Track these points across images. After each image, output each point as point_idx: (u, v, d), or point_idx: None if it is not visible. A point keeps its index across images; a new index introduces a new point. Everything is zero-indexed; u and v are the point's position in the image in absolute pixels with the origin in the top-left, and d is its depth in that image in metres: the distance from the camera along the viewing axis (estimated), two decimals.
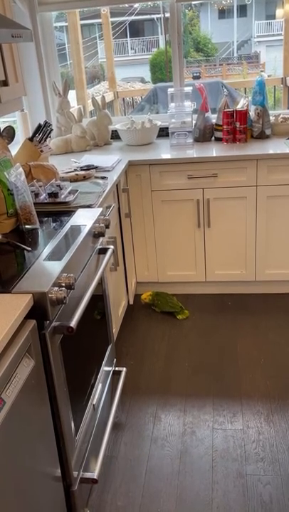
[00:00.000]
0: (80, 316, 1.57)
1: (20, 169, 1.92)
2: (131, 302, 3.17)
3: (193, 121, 3.25)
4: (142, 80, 15.63)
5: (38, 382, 1.41)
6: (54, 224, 1.99)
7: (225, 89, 6.06)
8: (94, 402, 1.92)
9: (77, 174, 2.63)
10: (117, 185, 2.75)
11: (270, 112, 3.25)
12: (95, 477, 1.76)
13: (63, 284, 1.50)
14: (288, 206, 2.95)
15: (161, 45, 19.11)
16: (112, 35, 6.87)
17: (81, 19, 4.35)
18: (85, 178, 2.63)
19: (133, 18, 18.78)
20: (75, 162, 2.98)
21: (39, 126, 2.79)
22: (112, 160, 2.91)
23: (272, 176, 2.89)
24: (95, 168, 2.78)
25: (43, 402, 1.46)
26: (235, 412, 2.29)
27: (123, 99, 8.11)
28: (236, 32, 20.95)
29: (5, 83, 2.08)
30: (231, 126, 3.13)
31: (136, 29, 20.76)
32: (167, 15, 3.39)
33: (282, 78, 4.52)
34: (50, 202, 2.18)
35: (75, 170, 2.74)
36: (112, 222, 2.46)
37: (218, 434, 2.18)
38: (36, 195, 2.20)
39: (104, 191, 2.39)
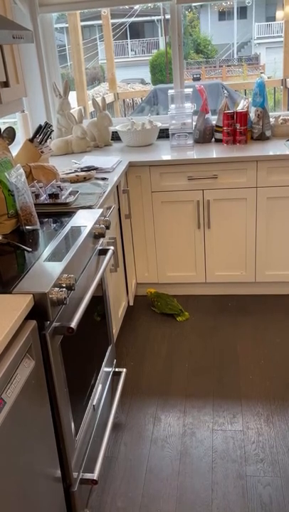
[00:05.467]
0: (81, 316, 1.57)
1: (21, 170, 1.92)
2: (131, 303, 3.17)
3: (194, 123, 3.26)
4: (142, 82, 15.65)
5: (38, 383, 1.41)
6: (54, 225, 1.99)
7: (225, 91, 6.07)
8: (94, 403, 1.92)
9: (77, 175, 2.64)
10: (117, 187, 2.75)
11: (270, 113, 3.26)
12: (95, 478, 1.76)
13: (64, 285, 1.50)
14: (288, 207, 2.95)
15: (162, 46, 19.12)
16: (112, 37, 6.87)
17: (81, 20, 4.36)
18: (85, 179, 2.64)
19: (133, 19, 18.80)
20: (76, 163, 2.98)
21: (39, 127, 2.79)
22: (112, 161, 2.91)
23: (272, 178, 2.89)
24: (96, 169, 2.79)
25: (43, 402, 1.46)
26: (235, 413, 2.29)
27: (123, 100, 8.11)
28: (236, 34, 20.96)
29: (6, 84, 2.08)
30: (231, 127, 3.14)
31: (136, 30, 20.77)
32: (167, 16, 3.39)
33: (282, 80, 4.52)
34: (51, 203, 2.18)
35: (76, 171, 2.75)
36: (112, 223, 2.46)
37: (218, 435, 2.18)
38: (37, 196, 2.20)
39: (104, 192, 2.39)
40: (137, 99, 8.36)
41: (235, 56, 20.55)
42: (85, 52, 5.42)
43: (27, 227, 1.92)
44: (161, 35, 19.88)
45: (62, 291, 1.45)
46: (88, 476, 1.76)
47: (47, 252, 1.69)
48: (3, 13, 2.08)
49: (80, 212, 2.08)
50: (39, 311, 1.42)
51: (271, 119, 3.22)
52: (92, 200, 2.25)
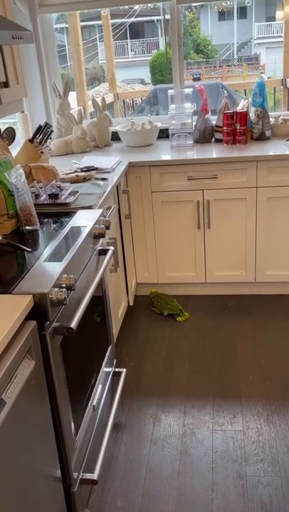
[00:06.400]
0: (81, 317, 1.57)
1: (21, 170, 1.92)
2: (131, 303, 3.17)
3: (194, 123, 3.26)
4: (142, 82, 15.65)
5: (38, 383, 1.41)
6: (54, 225, 1.99)
7: (225, 91, 6.06)
8: (94, 403, 1.92)
9: (77, 175, 2.64)
10: (117, 187, 2.75)
11: (270, 113, 3.26)
12: (95, 478, 1.76)
13: (64, 285, 1.50)
14: (288, 207, 2.95)
15: (162, 46, 19.12)
16: (112, 37, 6.87)
17: (81, 21, 4.36)
18: (85, 179, 2.64)
19: (133, 19, 18.80)
20: (76, 163, 2.98)
21: (39, 127, 2.79)
22: (112, 161, 2.91)
23: (272, 178, 2.89)
24: (96, 169, 2.79)
25: (43, 402, 1.46)
26: (235, 413, 2.29)
27: (123, 100, 8.11)
28: (236, 34, 20.96)
29: (6, 85, 2.08)
30: (231, 127, 3.14)
31: (136, 31, 20.78)
32: (167, 17, 3.40)
33: (282, 80, 4.53)
34: (51, 203, 2.18)
35: (76, 171, 2.75)
36: (112, 224, 2.46)
37: (218, 435, 2.18)
38: (37, 196, 2.20)
39: (104, 192, 2.39)
40: (136, 99, 8.36)
41: (235, 56, 20.55)
42: (84, 52, 5.42)
43: (27, 227, 1.92)
44: (161, 36, 19.88)
45: (62, 291, 1.46)
46: (88, 476, 1.76)
47: (47, 252, 1.69)
48: (3, 13, 2.08)
49: (80, 213, 2.08)
50: (39, 311, 1.42)
51: (271, 119, 3.22)
52: (92, 200, 2.25)
